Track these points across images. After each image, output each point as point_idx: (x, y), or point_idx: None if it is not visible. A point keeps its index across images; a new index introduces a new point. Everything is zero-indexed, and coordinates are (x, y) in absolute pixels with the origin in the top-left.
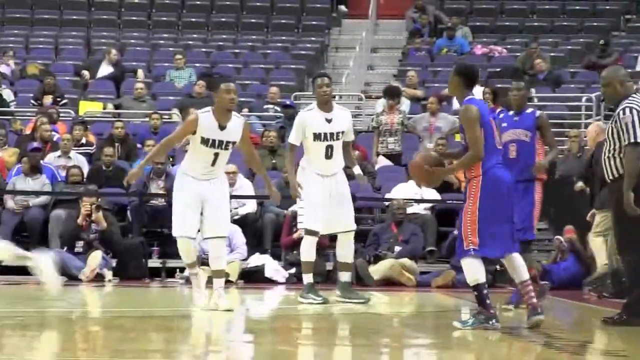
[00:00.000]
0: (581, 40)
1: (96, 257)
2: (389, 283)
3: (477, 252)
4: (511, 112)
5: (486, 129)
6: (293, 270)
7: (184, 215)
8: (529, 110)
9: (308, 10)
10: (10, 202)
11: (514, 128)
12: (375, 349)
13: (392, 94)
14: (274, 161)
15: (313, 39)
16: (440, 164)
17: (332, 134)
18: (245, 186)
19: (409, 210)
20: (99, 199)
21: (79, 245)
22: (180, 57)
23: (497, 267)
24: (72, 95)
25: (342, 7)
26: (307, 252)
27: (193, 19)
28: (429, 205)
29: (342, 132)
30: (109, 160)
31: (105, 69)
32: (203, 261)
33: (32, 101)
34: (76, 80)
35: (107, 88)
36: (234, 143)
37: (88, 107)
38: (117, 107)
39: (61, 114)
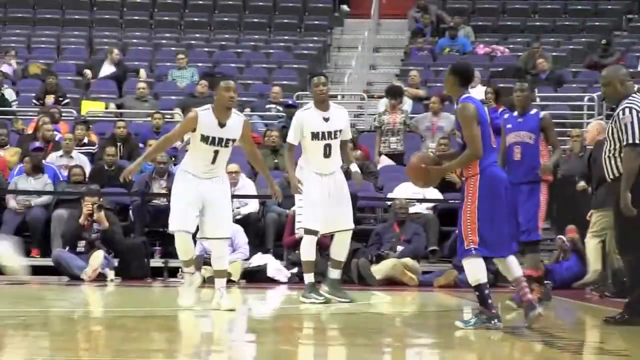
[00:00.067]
0: (583, 39)
1: (98, 257)
2: (391, 283)
3: (478, 251)
4: (515, 113)
5: (483, 127)
6: (295, 270)
7: (185, 211)
8: (533, 111)
9: (310, 9)
10: (12, 202)
11: (518, 130)
12: (378, 349)
13: (394, 93)
14: (276, 161)
15: (315, 38)
16: (437, 164)
17: (329, 133)
18: (247, 186)
19: (411, 209)
20: (101, 199)
21: (81, 245)
22: (183, 57)
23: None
24: (74, 95)
25: (345, 7)
26: (307, 251)
27: (195, 19)
28: (431, 204)
29: (340, 131)
30: (111, 160)
31: (107, 69)
32: (205, 261)
33: (34, 101)
34: (78, 80)
35: (109, 88)
36: (234, 140)
37: (90, 107)
38: (119, 106)
39: (63, 114)
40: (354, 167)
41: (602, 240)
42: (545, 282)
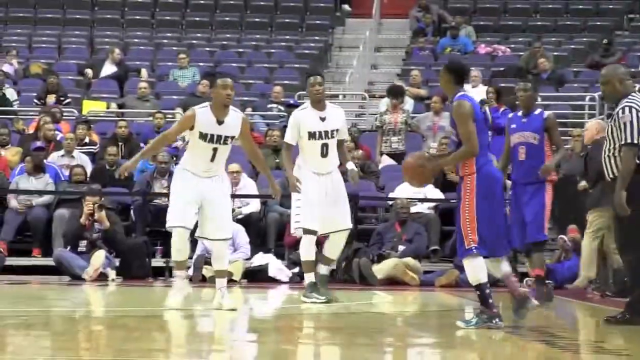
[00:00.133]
0: (584, 39)
1: (99, 257)
2: (392, 282)
3: (478, 250)
4: (520, 113)
5: (478, 125)
6: (297, 270)
7: (183, 208)
8: (537, 111)
9: (312, 9)
10: (13, 202)
11: (522, 130)
12: (379, 348)
13: (395, 93)
14: (277, 160)
15: (317, 38)
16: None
17: (326, 132)
18: (248, 185)
19: (413, 209)
20: (102, 199)
21: (82, 245)
22: (184, 57)
23: None
24: (76, 95)
25: (346, 7)
26: (307, 251)
27: (197, 18)
28: (432, 204)
29: (336, 130)
30: (113, 160)
31: (108, 68)
32: (206, 260)
33: (35, 100)
34: (79, 80)
35: (110, 87)
36: (232, 138)
37: (91, 107)
38: (120, 106)
39: (64, 113)
40: (350, 166)
41: (600, 240)
42: (547, 281)
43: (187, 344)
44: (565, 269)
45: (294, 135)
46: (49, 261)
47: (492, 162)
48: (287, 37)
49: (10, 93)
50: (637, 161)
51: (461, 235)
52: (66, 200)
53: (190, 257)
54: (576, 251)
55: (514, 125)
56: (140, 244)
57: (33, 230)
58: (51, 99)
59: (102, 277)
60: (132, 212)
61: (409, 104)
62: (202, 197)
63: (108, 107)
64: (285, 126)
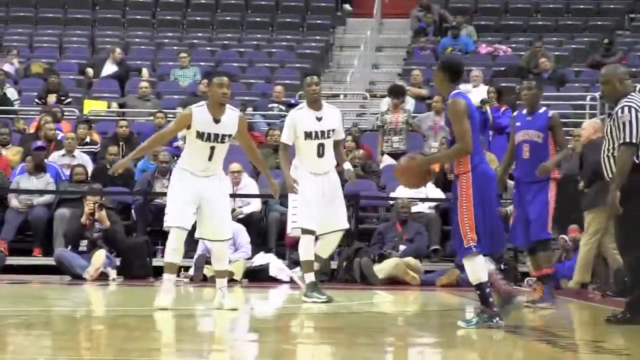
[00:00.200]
0: (585, 39)
1: (100, 256)
2: (393, 282)
3: (478, 248)
4: (524, 111)
5: (472, 124)
6: (297, 269)
7: (182, 209)
8: (542, 110)
9: (313, 9)
10: (14, 201)
11: (526, 128)
12: (380, 348)
13: (396, 92)
14: (278, 160)
15: (318, 37)
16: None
17: (322, 132)
18: (249, 185)
19: (414, 209)
20: (103, 198)
21: (83, 244)
22: (185, 56)
23: (502, 266)
24: (77, 94)
25: (347, 6)
26: (306, 251)
27: (198, 18)
28: (433, 204)
29: (333, 130)
30: (114, 159)
31: (109, 68)
32: (207, 260)
33: (36, 100)
34: (80, 79)
35: (111, 87)
36: (229, 136)
37: (92, 106)
38: (121, 106)
39: (65, 113)
40: (347, 166)
41: (597, 244)
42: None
43: (188, 343)
44: (566, 269)
45: (290, 135)
46: (49, 261)
47: (487, 160)
48: (288, 36)
49: (11, 92)
50: (637, 161)
51: (460, 234)
52: (67, 200)
53: (192, 257)
54: (577, 251)
55: (518, 123)
56: (141, 244)
57: (34, 230)
58: (52, 98)
59: (102, 277)
60: (133, 211)
61: (410, 103)
62: (200, 197)
63: (109, 107)
64: None
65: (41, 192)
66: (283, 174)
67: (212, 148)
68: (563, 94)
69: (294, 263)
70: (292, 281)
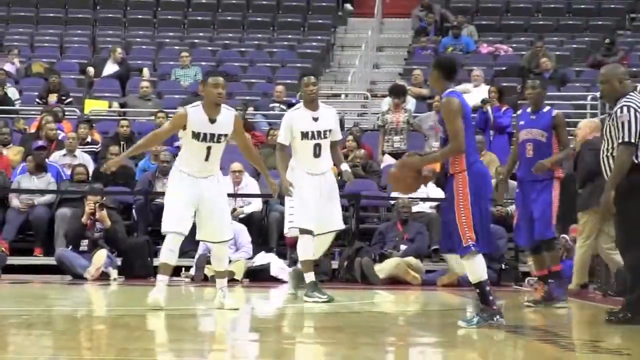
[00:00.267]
0: (586, 39)
1: (101, 256)
2: (394, 282)
3: (477, 247)
4: (529, 110)
5: (467, 122)
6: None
7: (180, 212)
8: (546, 109)
9: (314, 8)
10: (15, 201)
11: (530, 127)
12: (381, 348)
13: (397, 92)
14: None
15: (319, 37)
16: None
17: (319, 132)
18: (250, 185)
19: (415, 208)
20: (104, 198)
21: (84, 244)
22: (186, 56)
23: (503, 265)
24: (77, 94)
25: (348, 6)
26: (305, 251)
27: (199, 18)
28: (434, 203)
29: (329, 131)
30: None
31: (110, 68)
32: (208, 259)
33: (37, 100)
34: (81, 79)
35: (112, 86)
36: (225, 136)
37: (93, 106)
38: (122, 105)
39: (66, 113)
40: (345, 167)
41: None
42: (549, 280)
43: (189, 343)
44: (567, 269)
45: (287, 135)
46: (50, 260)
47: (481, 160)
48: (290, 36)
49: (12, 92)
50: (636, 160)
51: (458, 233)
52: (68, 200)
53: (193, 257)
54: None
55: (522, 122)
56: (142, 243)
57: (35, 230)
58: (53, 98)
59: (103, 277)
60: (134, 211)
61: (411, 103)
62: (198, 199)
63: (110, 107)
64: None
65: (42, 192)
66: (280, 175)
67: (209, 148)
68: (564, 93)
69: (295, 263)
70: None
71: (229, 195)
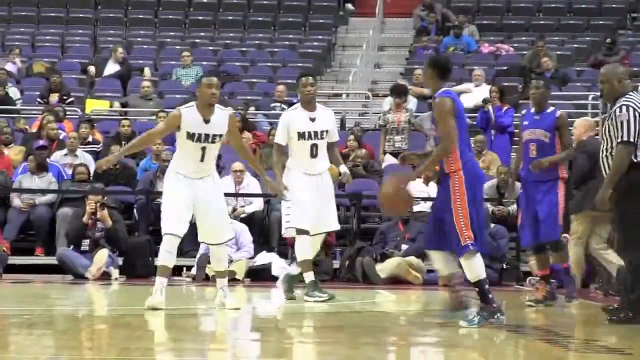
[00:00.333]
0: (587, 38)
1: (102, 256)
2: (395, 281)
3: (475, 246)
4: (533, 110)
5: (460, 121)
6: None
7: (178, 214)
8: (550, 109)
9: (315, 8)
10: (16, 201)
11: (534, 127)
12: (382, 347)
13: (399, 92)
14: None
15: (320, 37)
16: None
17: (316, 133)
18: (252, 184)
19: (416, 208)
20: (105, 197)
21: (85, 244)
22: (187, 55)
23: (504, 265)
24: (79, 94)
25: (349, 6)
26: (303, 251)
27: (200, 17)
28: None
29: (326, 131)
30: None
31: (111, 67)
32: (209, 259)
33: (38, 99)
34: (82, 79)
35: (113, 86)
36: (220, 136)
37: (94, 105)
38: (123, 105)
39: (67, 112)
40: (343, 169)
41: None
42: (551, 280)
43: (190, 342)
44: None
45: (284, 135)
46: (52, 260)
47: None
48: (291, 36)
49: (14, 92)
50: (635, 160)
51: (456, 233)
52: (69, 199)
53: (194, 257)
54: None
55: (526, 122)
56: (143, 243)
57: (36, 229)
58: (54, 97)
59: (105, 276)
60: (135, 211)
61: (412, 103)
62: (195, 201)
63: (111, 106)
64: None
65: (43, 192)
66: (275, 176)
67: (204, 149)
68: (565, 93)
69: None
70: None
71: (231, 195)
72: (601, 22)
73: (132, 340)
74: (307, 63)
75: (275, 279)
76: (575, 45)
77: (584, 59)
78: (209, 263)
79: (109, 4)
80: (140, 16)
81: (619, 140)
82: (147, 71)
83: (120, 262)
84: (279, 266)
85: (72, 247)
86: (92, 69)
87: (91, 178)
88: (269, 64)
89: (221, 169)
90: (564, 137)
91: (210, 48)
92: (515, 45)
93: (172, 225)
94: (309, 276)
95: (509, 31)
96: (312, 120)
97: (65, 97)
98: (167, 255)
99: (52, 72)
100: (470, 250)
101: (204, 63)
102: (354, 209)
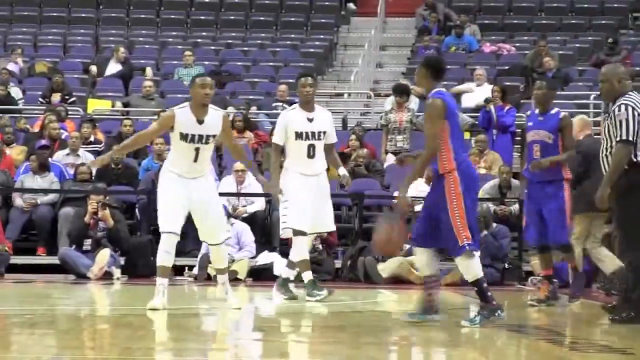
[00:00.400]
0: (589, 38)
1: (104, 255)
2: (397, 281)
3: (472, 246)
4: (537, 111)
5: (453, 122)
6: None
7: (174, 214)
8: (554, 110)
9: (317, 8)
10: (18, 200)
11: (537, 128)
12: (384, 347)
13: (400, 91)
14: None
15: (322, 37)
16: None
17: (313, 133)
18: (253, 184)
19: (417, 208)
20: (107, 197)
21: (87, 244)
22: (189, 55)
23: (506, 265)
24: (81, 93)
25: (351, 5)
26: (301, 251)
27: (202, 17)
28: None
29: (324, 133)
30: (118, 159)
31: (113, 67)
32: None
33: (40, 99)
34: (84, 78)
35: (115, 86)
36: (214, 136)
37: (96, 105)
38: (125, 105)
39: (69, 112)
40: (343, 171)
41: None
42: (553, 280)
43: (192, 342)
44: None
45: (281, 135)
46: (54, 260)
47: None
48: (292, 35)
49: (16, 92)
50: (635, 159)
51: (453, 233)
52: (71, 199)
53: (196, 256)
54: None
55: (530, 123)
56: (145, 243)
57: (38, 229)
58: (56, 97)
59: (107, 276)
60: (137, 210)
61: (414, 102)
62: (190, 201)
63: (113, 106)
64: None
65: (45, 192)
66: (272, 176)
67: (197, 149)
68: (567, 93)
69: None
70: (296, 279)
71: (232, 194)
72: (603, 22)
73: (134, 340)
74: (309, 63)
75: (277, 278)
76: (577, 45)
77: (585, 58)
78: (211, 263)
79: (111, 4)
80: (142, 16)
81: (618, 139)
82: (148, 71)
83: (122, 262)
84: (281, 266)
85: (74, 246)
86: (94, 68)
87: (93, 178)
88: (271, 63)
89: (223, 169)
90: (566, 138)
91: (212, 48)
92: (517, 44)
93: (170, 224)
94: (308, 275)
95: (510, 31)
96: (310, 120)
97: (67, 97)
98: (165, 255)
99: (54, 72)
100: (467, 251)
101: (206, 63)
102: (355, 208)
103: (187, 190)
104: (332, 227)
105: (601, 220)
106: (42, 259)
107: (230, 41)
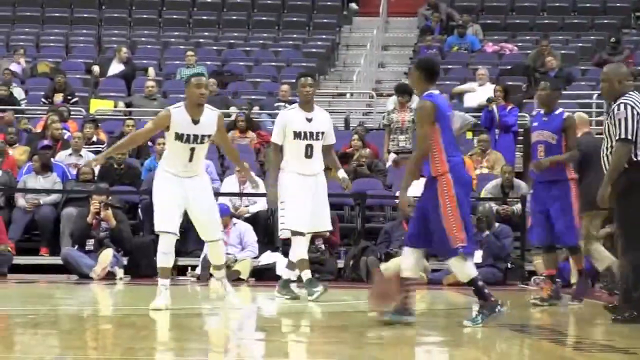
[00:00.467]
0: (592, 37)
1: (107, 255)
2: None
3: (465, 248)
4: (542, 111)
5: (444, 124)
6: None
7: (170, 213)
8: (559, 111)
9: (319, 8)
10: (21, 201)
11: (542, 129)
12: (386, 347)
13: (403, 91)
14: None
15: (324, 36)
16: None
17: (311, 133)
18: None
19: None
20: (109, 197)
21: (90, 244)
22: (192, 55)
23: (509, 265)
24: (83, 94)
25: (353, 5)
26: (299, 251)
27: (204, 17)
28: None
29: (322, 133)
30: (120, 159)
31: (115, 67)
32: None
33: (43, 99)
34: (87, 79)
35: (117, 86)
36: (209, 136)
37: (99, 105)
38: (127, 105)
39: (72, 112)
40: (342, 174)
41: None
42: (556, 280)
43: (195, 342)
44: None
45: (280, 134)
46: (56, 260)
47: (463, 161)
48: (295, 35)
49: (18, 92)
50: (635, 158)
51: (446, 234)
52: (74, 199)
53: (199, 256)
54: None
55: (535, 124)
56: (147, 243)
57: (41, 229)
58: (59, 97)
59: (109, 276)
60: (139, 210)
61: (416, 102)
62: (185, 200)
63: (115, 106)
64: None
65: (48, 192)
66: (270, 175)
67: (192, 149)
68: (569, 92)
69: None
70: (298, 280)
71: (235, 194)
72: (605, 21)
73: (137, 340)
74: (311, 63)
75: (279, 278)
76: (580, 45)
77: (588, 58)
78: None
79: (113, 4)
80: (145, 16)
81: (617, 137)
82: (151, 71)
83: (125, 262)
84: (284, 266)
85: (76, 247)
86: (96, 68)
87: (95, 178)
88: (273, 63)
89: (225, 169)
90: (569, 138)
91: (214, 48)
92: (520, 44)
93: (166, 224)
94: (307, 274)
95: (513, 30)
96: (309, 120)
97: (69, 97)
98: (164, 256)
99: (56, 72)
100: (460, 253)
101: (208, 63)
102: (358, 208)
103: (183, 189)
104: (330, 227)
105: (599, 220)
106: (44, 259)
107: (232, 41)
